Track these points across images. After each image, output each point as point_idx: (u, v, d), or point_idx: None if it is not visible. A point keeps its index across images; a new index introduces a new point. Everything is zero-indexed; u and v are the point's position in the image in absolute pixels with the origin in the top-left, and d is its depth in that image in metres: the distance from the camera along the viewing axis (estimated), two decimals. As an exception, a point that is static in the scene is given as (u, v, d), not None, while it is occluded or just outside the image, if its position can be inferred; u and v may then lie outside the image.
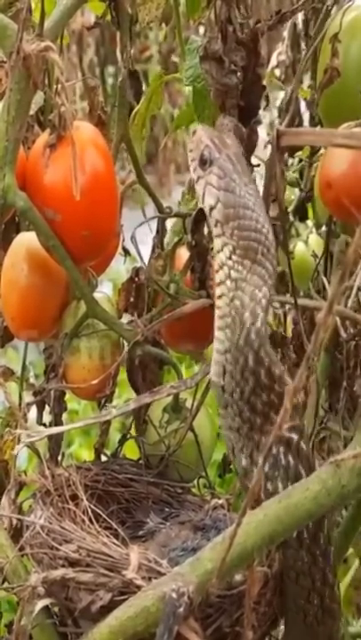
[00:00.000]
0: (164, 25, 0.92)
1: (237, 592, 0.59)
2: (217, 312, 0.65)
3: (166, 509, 0.81)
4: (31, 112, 0.79)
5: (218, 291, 0.65)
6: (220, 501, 0.77)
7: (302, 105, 1.33)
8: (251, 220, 0.63)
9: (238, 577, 0.59)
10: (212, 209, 0.64)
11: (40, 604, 0.62)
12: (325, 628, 0.64)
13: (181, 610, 0.52)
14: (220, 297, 0.64)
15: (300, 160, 1.19)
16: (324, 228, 1.13)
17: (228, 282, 0.63)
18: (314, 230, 1.28)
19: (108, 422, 0.83)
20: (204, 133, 0.66)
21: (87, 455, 2.03)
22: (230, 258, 0.63)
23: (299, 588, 0.63)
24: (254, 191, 0.65)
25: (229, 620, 0.60)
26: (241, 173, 0.64)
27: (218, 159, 0.64)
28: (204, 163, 0.65)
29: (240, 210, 0.63)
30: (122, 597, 0.58)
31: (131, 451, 0.88)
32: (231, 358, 0.62)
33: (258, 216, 0.63)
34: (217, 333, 0.64)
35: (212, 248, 0.66)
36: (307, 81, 1.13)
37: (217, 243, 0.64)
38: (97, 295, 0.80)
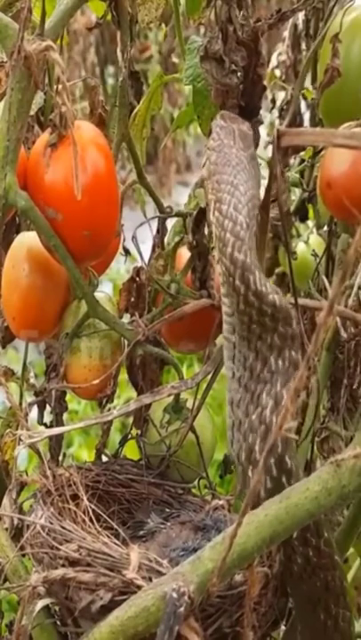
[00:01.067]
0: (163, 25, 0.92)
1: (238, 592, 0.59)
2: (220, 279, 0.66)
3: (167, 510, 0.81)
4: (31, 112, 0.79)
5: (216, 255, 0.66)
6: (221, 502, 0.77)
7: (303, 105, 1.33)
8: (228, 176, 0.66)
9: (239, 577, 0.59)
10: (203, 166, 0.69)
11: (40, 603, 0.62)
12: (324, 575, 0.63)
13: (182, 610, 0.52)
14: (218, 261, 0.65)
15: (302, 160, 1.19)
16: (325, 229, 1.13)
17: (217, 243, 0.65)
18: (314, 230, 1.28)
19: (109, 422, 0.83)
20: (221, 114, 0.72)
21: (87, 456, 2.03)
22: (214, 214, 0.65)
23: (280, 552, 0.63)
24: (248, 159, 0.68)
25: (230, 620, 0.60)
26: (237, 143, 0.69)
27: (218, 127, 0.69)
28: (210, 134, 0.70)
29: (220, 167, 0.67)
30: (122, 597, 0.58)
31: (131, 451, 0.88)
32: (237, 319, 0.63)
33: (236, 174, 0.66)
34: (223, 299, 0.65)
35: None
36: (306, 82, 1.13)
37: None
38: (98, 295, 0.80)
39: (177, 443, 0.82)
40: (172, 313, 0.80)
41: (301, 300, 0.76)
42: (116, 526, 0.72)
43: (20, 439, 0.72)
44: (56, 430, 0.78)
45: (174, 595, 0.53)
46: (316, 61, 0.88)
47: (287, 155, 0.84)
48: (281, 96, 1.46)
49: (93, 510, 0.69)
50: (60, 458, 0.87)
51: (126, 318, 0.87)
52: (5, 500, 0.77)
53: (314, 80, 1.04)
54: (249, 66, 0.75)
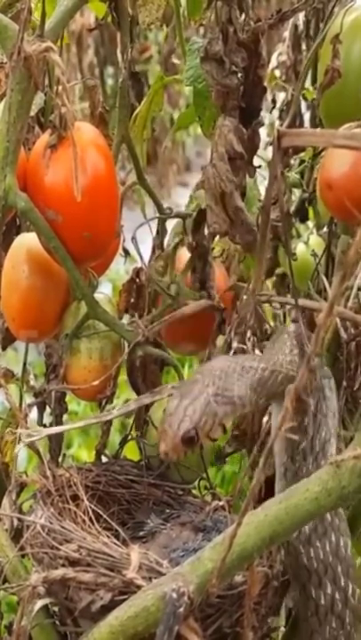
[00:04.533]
0: (164, 26, 0.92)
1: (238, 592, 0.59)
2: None
3: (167, 511, 0.81)
4: (32, 113, 0.79)
5: None
6: (221, 503, 0.77)
7: (303, 105, 1.33)
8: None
9: (239, 577, 0.59)
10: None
11: (40, 603, 0.62)
12: (336, 537, 0.64)
13: (182, 610, 0.52)
14: None
15: (302, 161, 1.19)
16: (325, 229, 1.13)
17: None
18: (314, 231, 1.28)
19: (109, 423, 0.83)
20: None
21: (87, 456, 2.03)
22: None
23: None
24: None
25: (229, 620, 0.60)
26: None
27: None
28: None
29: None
30: (122, 597, 0.58)
31: (132, 452, 0.88)
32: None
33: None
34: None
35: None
36: (307, 82, 1.13)
37: None
38: (98, 296, 0.80)
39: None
40: (172, 314, 0.80)
41: (301, 301, 0.76)
42: (116, 527, 0.72)
43: (20, 439, 0.72)
44: (55, 429, 0.78)
45: (174, 595, 0.53)
46: (316, 62, 0.88)
47: (287, 155, 0.84)
48: (281, 97, 1.46)
49: (93, 511, 0.69)
50: (60, 459, 0.87)
51: (126, 319, 0.87)
52: (5, 501, 0.77)
53: (314, 81, 1.04)
54: (249, 67, 0.75)
